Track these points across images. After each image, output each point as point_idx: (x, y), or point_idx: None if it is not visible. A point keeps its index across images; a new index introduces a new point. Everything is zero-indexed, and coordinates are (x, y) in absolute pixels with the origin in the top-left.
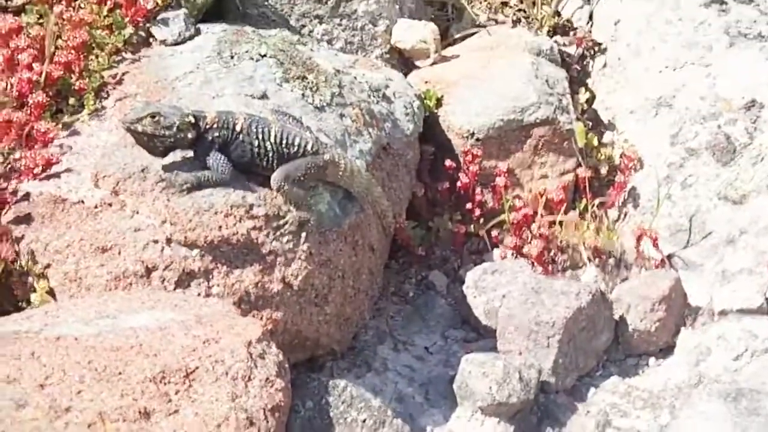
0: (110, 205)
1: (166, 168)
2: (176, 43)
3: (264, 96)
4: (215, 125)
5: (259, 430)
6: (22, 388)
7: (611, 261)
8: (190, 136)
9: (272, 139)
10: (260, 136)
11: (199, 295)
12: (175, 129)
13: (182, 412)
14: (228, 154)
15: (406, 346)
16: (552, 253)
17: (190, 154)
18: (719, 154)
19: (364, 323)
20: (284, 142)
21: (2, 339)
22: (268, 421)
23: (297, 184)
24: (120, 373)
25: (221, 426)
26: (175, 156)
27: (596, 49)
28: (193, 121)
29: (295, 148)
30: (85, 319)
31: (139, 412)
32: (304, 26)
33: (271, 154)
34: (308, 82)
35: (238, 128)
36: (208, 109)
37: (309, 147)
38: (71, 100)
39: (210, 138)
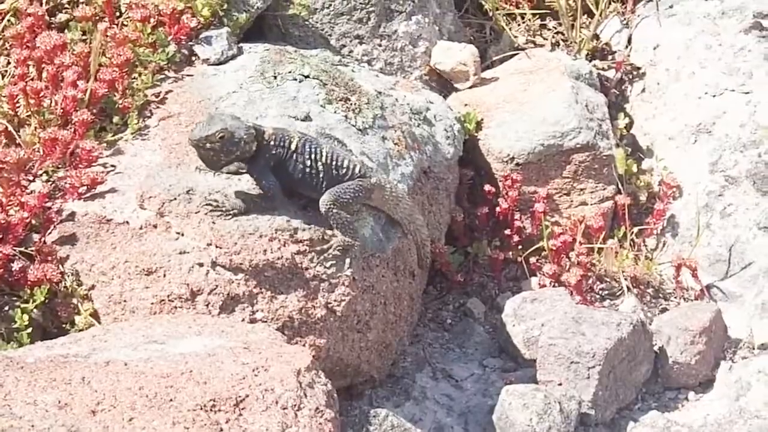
0: (155, 226)
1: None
2: (219, 63)
3: (307, 117)
4: (273, 142)
5: None
6: (74, 414)
7: (650, 290)
8: (253, 148)
9: (323, 160)
10: (312, 156)
11: (243, 320)
12: (242, 143)
13: None
14: (281, 173)
15: (444, 375)
16: (590, 282)
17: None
18: (759, 183)
19: (403, 350)
20: (334, 163)
21: (52, 362)
22: None
23: (344, 207)
24: (171, 400)
25: None
26: (229, 168)
27: (635, 73)
28: (254, 133)
29: (344, 170)
30: (133, 344)
31: None
32: (344, 46)
33: (321, 175)
34: (351, 104)
35: (293, 147)
36: (265, 124)
37: (357, 170)
38: (115, 119)
39: (266, 155)
